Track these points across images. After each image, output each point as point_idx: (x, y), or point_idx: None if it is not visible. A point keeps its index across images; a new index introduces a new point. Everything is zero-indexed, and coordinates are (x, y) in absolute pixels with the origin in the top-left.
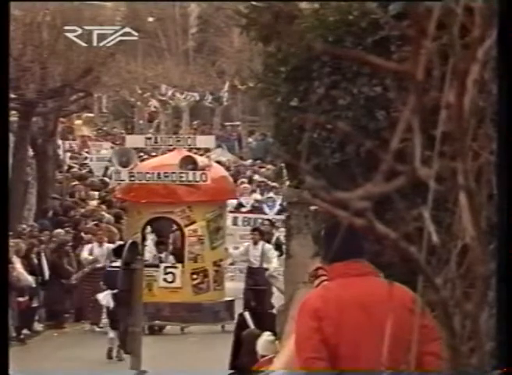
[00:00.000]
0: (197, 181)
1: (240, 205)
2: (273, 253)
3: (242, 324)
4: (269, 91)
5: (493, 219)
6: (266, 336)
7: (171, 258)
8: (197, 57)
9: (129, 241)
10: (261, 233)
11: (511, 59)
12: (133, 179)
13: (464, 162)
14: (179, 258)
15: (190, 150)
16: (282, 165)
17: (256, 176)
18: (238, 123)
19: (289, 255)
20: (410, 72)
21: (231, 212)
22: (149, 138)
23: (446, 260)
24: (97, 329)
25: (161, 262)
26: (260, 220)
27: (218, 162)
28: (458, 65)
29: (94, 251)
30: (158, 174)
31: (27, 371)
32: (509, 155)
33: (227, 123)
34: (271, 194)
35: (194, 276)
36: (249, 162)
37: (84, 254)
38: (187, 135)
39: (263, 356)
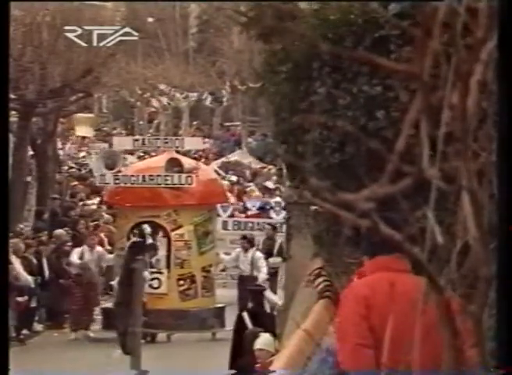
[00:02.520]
0: (182, 184)
1: (246, 208)
2: (262, 262)
3: (240, 325)
4: (269, 90)
5: (494, 219)
6: (264, 334)
7: (162, 263)
8: (197, 57)
9: (130, 241)
10: (249, 241)
11: (511, 59)
12: (117, 182)
13: (467, 162)
14: (165, 264)
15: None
16: (283, 165)
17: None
18: (238, 123)
19: (289, 255)
20: (416, 72)
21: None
22: (136, 140)
23: (447, 260)
24: (92, 334)
25: (151, 267)
26: (250, 224)
27: (238, 164)
28: (461, 65)
29: (84, 256)
30: (143, 177)
31: (27, 371)
32: (509, 155)
33: (227, 124)
34: (277, 199)
35: (181, 282)
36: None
37: (74, 257)
38: (175, 137)
39: (260, 350)
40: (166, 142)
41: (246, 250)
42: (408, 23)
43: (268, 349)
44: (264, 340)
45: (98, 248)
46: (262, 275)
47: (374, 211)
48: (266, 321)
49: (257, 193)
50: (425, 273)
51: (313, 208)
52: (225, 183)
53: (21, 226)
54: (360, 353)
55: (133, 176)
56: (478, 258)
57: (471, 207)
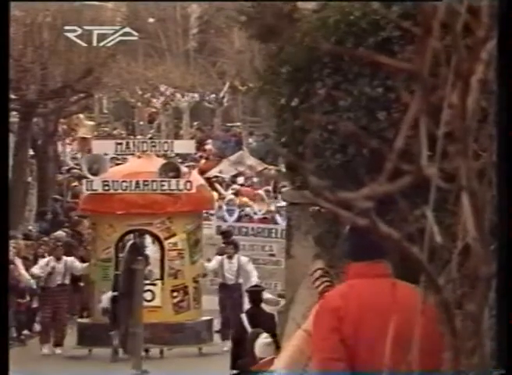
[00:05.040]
0: (180, 190)
1: (253, 213)
2: (251, 266)
3: (239, 327)
4: (270, 91)
5: (494, 219)
6: (263, 338)
7: (155, 273)
8: (198, 58)
9: (130, 242)
10: (234, 247)
11: (511, 59)
12: (107, 188)
13: (467, 162)
14: (159, 274)
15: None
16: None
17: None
18: (239, 123)
19: (289, 255)
20: (417, 70)
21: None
22: (119, 144)
23: (447, 261)
24: (58, 351)
25: (144, 278)
26: (244, 229)
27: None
28: (461, 65)
29: (49, 266)
30: (137, 183)
31: (27, 371)
32: (509, 155)
33: (228, 124)
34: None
35: (175, 294)
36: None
37: (35, 269)
38: (164, 140)
39: (261, 359)
40: (154, 146)
41: (230, 257)
42: (410, 24)
43: (267, 350)
44: (263, 340)
45: (67, 258)
46: (253, 278)
47: (372, 209)
48: (265, 322)
49: (265, 197)
50: (424, 272)
51: (314, 209)
52: (235, 186)
53: (22, 226)
54: (330, 367)
55: (124, 181)
56: (478, 259)
57: (471, 207)
